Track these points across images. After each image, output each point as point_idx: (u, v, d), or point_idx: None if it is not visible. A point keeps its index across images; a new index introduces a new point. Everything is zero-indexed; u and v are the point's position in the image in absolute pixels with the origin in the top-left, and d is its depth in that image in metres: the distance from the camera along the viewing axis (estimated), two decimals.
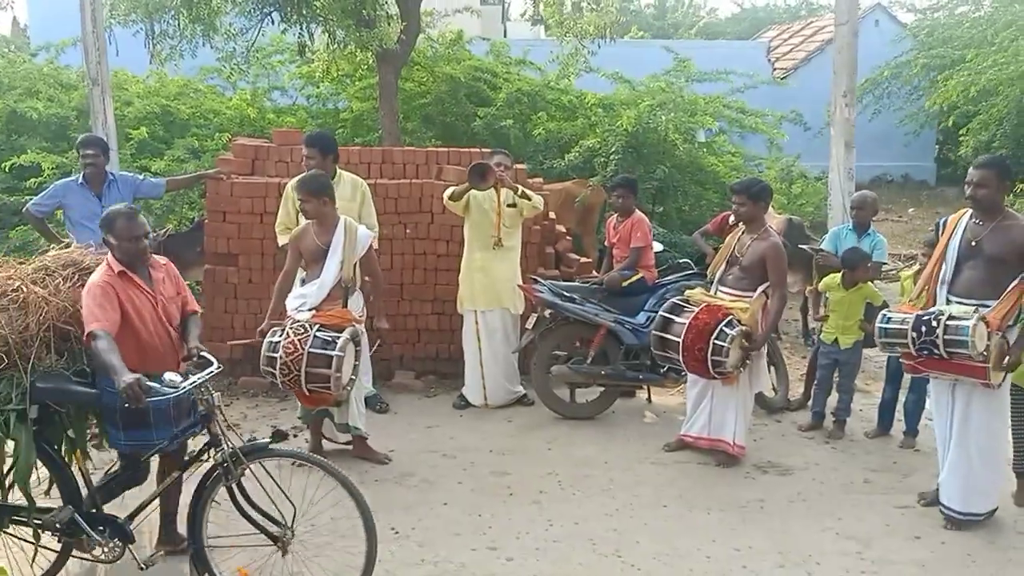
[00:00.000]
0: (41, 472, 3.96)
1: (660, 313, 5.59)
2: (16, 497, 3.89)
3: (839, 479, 5.36)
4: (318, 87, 11.42)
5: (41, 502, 3.94)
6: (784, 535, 4.64)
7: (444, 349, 7.06)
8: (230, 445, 3.77)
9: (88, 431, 4.21)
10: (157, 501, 4.11)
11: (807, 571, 4.28)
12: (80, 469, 4.04)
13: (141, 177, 6.83)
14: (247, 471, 3.81)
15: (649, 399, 6.70)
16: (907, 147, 17.20)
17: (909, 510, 4.93)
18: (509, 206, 6.25)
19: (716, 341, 5.17)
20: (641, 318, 6.27)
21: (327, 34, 8.90)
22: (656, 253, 6.81)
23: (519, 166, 7.17)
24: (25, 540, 3.95)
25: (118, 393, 3.55)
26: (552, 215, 7.70)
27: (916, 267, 6.37)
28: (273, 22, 8.96)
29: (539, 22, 20.53)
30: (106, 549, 3.89)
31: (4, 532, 3.98)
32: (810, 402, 6.35)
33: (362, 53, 9.33)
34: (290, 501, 3.82)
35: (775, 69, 18.60)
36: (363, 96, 10.83)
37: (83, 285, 3.91)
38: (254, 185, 6.83)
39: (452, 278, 6.61)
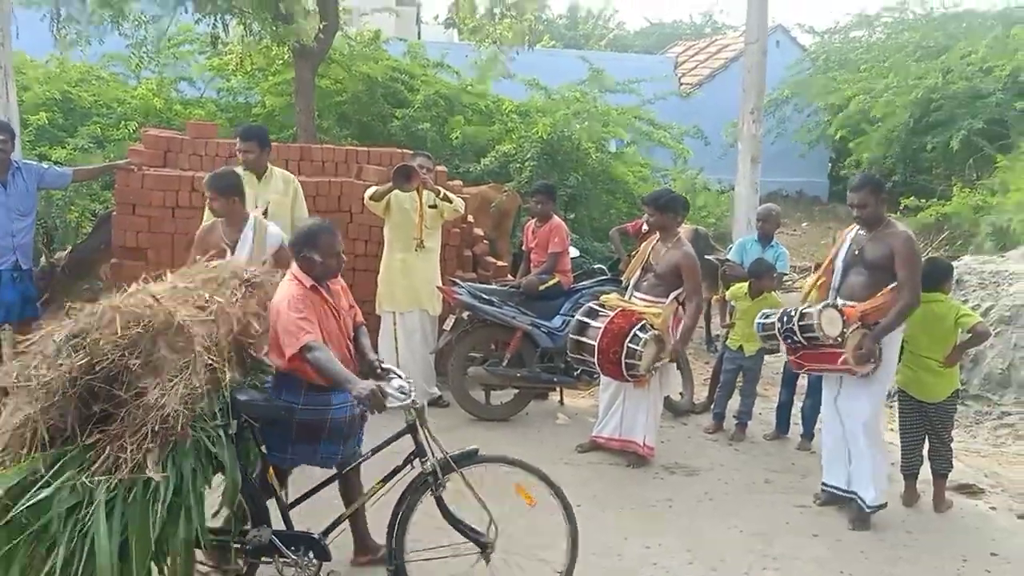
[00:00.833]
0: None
1: (576, 317, 5.74)
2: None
3: (742, 479, 5.61)
4: (229, 80, 11.17)
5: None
6: (692, 533, 4.83)
7: None
8: (439, 454, 3.69)
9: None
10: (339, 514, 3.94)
11: (714, 568, 4.47)
12: (272, 486, 3.82)
13: (45, 166, 6.57)
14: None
15: (561, 401, 6.84)
16: (802, 163, 17.99)
17: (807, 509, 5.20)
18: (430, 207, 6.28)
19: (630, 344, 5.33)
20: (557, 322, 6.41)
21: (242, 26, 8.73)
22: (572, 258, 6.96)
23: (440, 168, 7.22)
24: (205, 564, 3.68)
25: (358, 402, 3.49)
26: (470, 218, 7.77)
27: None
28: (187, 11, 8.72)
29: (452, 26, 20.59)
30: (300, 569, 3.70)
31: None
32: (713, 405, 6.61)
33: (278, 48, 9.21)
34: (485, 508, 3.71)
35: (681, 84, 19.15)
36: (277, 92, 10.64)
37: (252, 297, 3.74)
38: (166, 178, 6.65)
39: (370, 278, 6.58)
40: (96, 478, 3.05)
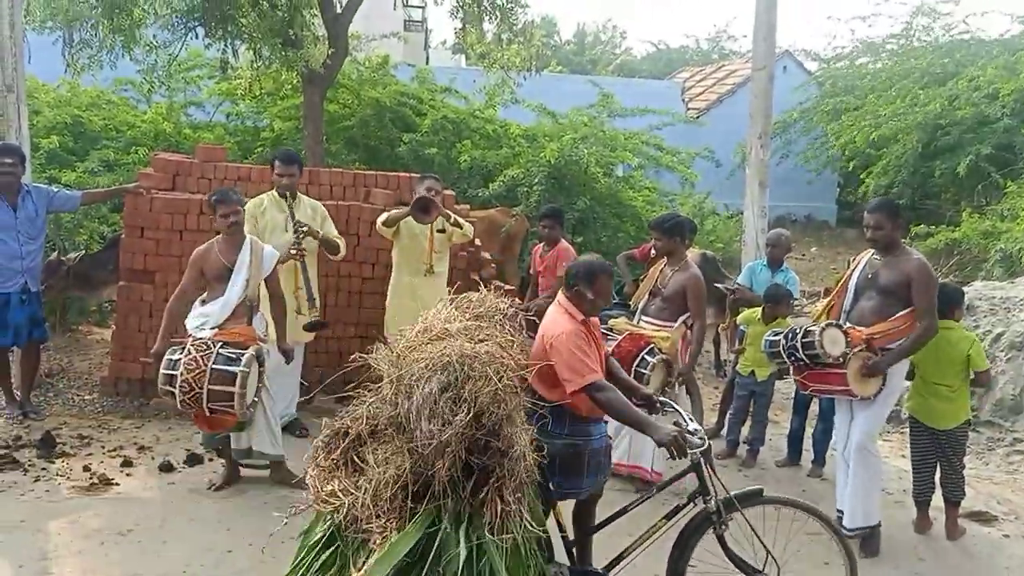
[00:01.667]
0: None
1: None
2: None
3: None
4: (238, 105, 11.26)
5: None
6: (702, 560, 4.75)
7: (366, 373, 6.98)
8: (722, 493, 3.71)
9: None
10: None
11: None
12: (558, 521, 3.79)
13: (55, 189, 6.60)
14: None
15: None
16: (810, 188, 17.99)
17: (817, 537, 5.12)
18: (439, 232, 6.28)
19: (638, 368, 5.29)
20: None
21: (252, 52, 8.81)
22: None
23: (447, 192, 7.23)
24: None
25: (664, 445, 3.48)
26: (477, 242, 7.77)
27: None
28: (197, 36, 8.81)
29: (460, 51, 20.75)
30: None
31: None
32: (724, 431, 6.55)
33: (287, 73, 9.27)
34: (764, 546, 3.77)
35: (688, 109, 19.23)
36: (285, 116, 10.73)
37: (518, 330, 3.72)
38: (175, 201, 6.68)
39: (377, 301, 6.58)
40: (485, 532, 3.06)
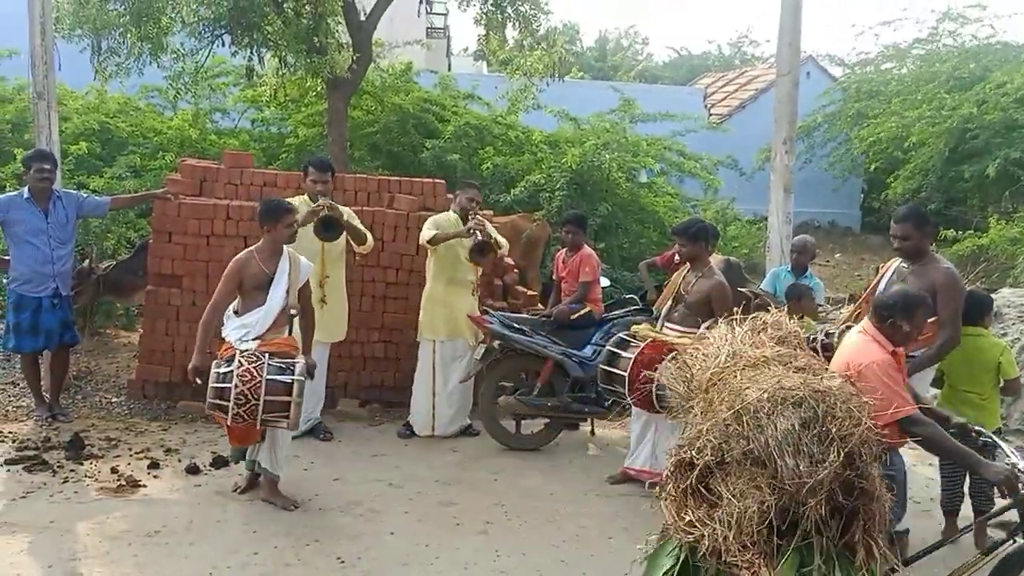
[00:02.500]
0: None
1: (607, 347, 5.71)
2: None
3: None
4: (263, 111, 11.36)
5: None
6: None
7: (389, 377, 7.04)
8: None
9: None
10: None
11: None
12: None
13: (84, 195, 6.69)
14: None
15: (592, 432, 6.78)
16: (834, 194, 17.86)
17: None
18: None
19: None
20: (588, 351, 6.37)
21: (277, 59, 8.89)
22: (603, 288, 6.94)
23: (487, 212, 7.26)
24: None
25: (997, 484, 3.47)
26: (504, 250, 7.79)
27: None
28: (223, 44, 8.90)
29: (482, 58, 20.77)
30: None
31: None
32: None
33: (312, 79, 9.34)
34: None
35: (711, 115, 19.18)
36: (310, 122, 10.81)
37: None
38: (202, 206, 6.74)
39: (401, 306, 6.62)
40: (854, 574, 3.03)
